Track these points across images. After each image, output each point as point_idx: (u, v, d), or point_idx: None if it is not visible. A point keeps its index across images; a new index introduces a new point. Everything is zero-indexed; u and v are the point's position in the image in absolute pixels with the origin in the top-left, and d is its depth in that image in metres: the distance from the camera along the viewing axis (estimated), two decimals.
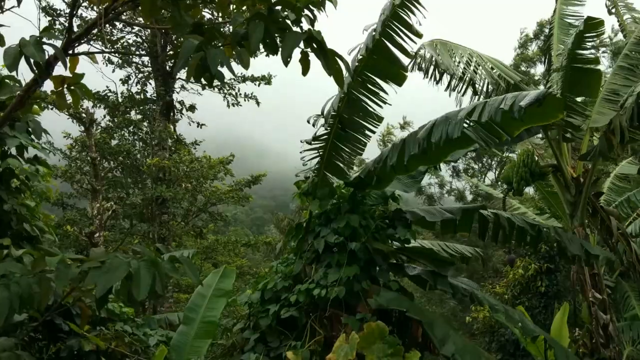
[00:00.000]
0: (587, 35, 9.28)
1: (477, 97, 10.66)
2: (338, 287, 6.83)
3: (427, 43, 10.77)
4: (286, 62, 3.57)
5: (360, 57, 7.19)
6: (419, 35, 7.13)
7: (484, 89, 10.52)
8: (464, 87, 10.57)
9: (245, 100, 22.58)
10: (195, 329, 7.62)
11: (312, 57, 3.86)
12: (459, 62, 10.52)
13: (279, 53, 3.60)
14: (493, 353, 17.55)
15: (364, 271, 7.13)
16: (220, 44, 3.69)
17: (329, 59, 3.77)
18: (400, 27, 7.00)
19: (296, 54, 3.75)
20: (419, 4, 6.91)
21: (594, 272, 10.24)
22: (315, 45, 3.73)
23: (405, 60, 7.26)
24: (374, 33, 7.02)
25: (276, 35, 3.63)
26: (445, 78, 10.75)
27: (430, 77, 10.81)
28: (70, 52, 4.13)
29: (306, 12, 3.83)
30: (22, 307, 3.74)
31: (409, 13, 6.95)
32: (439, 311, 25.64)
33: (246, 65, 3.60)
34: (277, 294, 7.48)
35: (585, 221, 10.32)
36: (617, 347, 10.07)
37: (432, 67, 10.70)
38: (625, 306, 15.33)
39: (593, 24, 9.18)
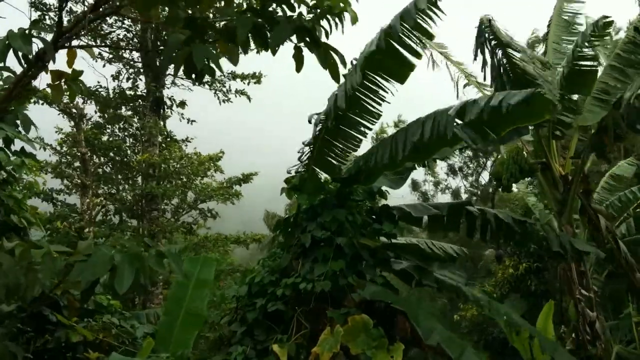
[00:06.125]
0: (594, 34, 9.36)
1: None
2: (324, 281, 6.84)
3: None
4: (274, 52, 3.54)
5: (366, 56, 7.16)
6: (431, 38, 7.14)
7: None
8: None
9: (236, 96, 22.48)
10: (180, 320, 7.59)
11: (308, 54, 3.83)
12: None
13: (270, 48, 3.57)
14: (481, 351, 17.57)
15: (350, 266, 7.15)
16: (211, 39, 3.66)
17: (322, 52, 3.74)
18: (415, 31, 6.96)
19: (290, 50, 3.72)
20: (439, 9, 6.80)
21: (581, 270, 10.28)
22: (308, 39, 3.70)
23: (414, 61, 7.22)
24: (383, 35, 6.94)
25: (267, 28, 3.60)
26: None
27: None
28: (65, 45, 4.13)
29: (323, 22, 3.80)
30: (8, 296, 3.75)
31: (426, 19, 6.89)
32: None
33: (234, 62, 3.58)
34: (264, 287, 7.47)
35: (573, 219, 10.36)
36: (603, 344, 10.10)
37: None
38: (621, 305, 15.32)
39: (604, 24, 9.25)
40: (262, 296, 7.38)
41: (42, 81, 4.37)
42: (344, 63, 3.95)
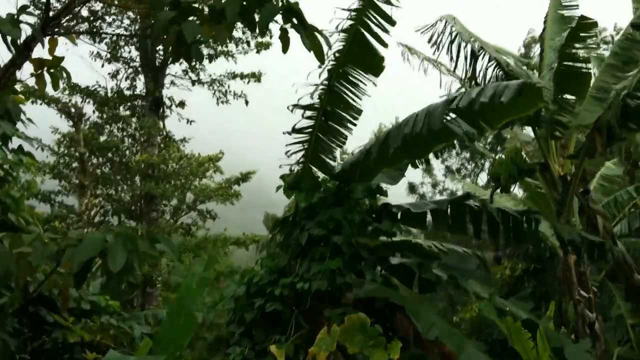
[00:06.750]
0: (579, 34, 9.30)
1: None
2: (320, 280, 6.82)
3: (446, 16, 10.63)
4: (263, 33, 3.54)
5: (341, 46, 7.20)
6: (393, 24, 7.14)
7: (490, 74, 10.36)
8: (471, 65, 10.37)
9: (234, 98, 22.36)
10: (180, 322, 7.56)
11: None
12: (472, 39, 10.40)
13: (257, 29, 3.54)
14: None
15: (348, 265, 7.12)
16: (198, 22, 3.60)
17: (309, 33, 3.71)
18: (377, 16, 7.02)
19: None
20: None
21: (580, 271, 10.25)
22: (295, 20, 3.66)
23: (382, 51, 7.29)
24: (352, 22, 7.06)
25: (255, 10, 3.55)
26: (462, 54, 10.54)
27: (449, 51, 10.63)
28: (53, 31, 4.09)
29: None
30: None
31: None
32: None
33: (222, 40, 3.56)
34: (263, 288, 7.44)
35: (571, 219, 10.33)
36: (602, 345, 10.07)
37: (457, 39, 10.47)
38: (611, 306, 15.29)
39: (586, 24, 9.21)
40: (261, 296, 7.36)
41: (25, 72, 4.34)
42: (328, 44, 3.92)
